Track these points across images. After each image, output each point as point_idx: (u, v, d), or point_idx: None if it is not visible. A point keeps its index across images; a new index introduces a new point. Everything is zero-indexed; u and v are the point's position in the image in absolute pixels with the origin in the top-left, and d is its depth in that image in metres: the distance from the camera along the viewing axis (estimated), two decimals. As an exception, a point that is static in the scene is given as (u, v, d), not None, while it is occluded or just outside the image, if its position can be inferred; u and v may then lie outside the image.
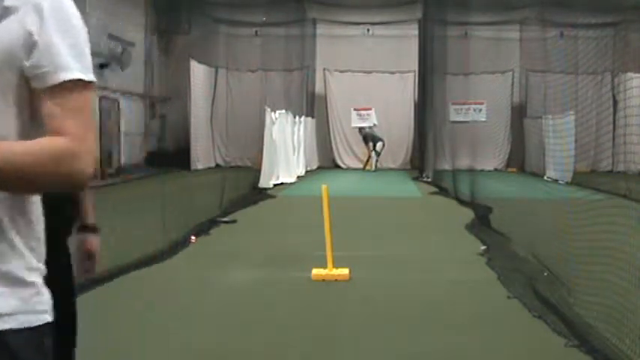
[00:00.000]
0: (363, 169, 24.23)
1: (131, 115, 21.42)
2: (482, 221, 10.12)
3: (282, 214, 12.33)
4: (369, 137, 23.97)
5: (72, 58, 1.24)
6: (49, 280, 1.30)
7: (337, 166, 25.48)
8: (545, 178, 18.98)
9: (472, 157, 19.50)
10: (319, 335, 4.86)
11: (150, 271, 6.83)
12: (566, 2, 19.55)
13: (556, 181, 17.77)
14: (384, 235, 9.59)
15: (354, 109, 25.71)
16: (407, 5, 24.08)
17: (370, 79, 25.48)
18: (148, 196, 13.81)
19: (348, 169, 25.02)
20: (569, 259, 5.99)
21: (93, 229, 2.83)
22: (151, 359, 4.38)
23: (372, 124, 24.90)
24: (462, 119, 24.10)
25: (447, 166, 19.03)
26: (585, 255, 5.78)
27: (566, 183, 17.11)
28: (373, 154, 23.95)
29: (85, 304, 5.51)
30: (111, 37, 19.79)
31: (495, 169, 23.84)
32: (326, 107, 25.77)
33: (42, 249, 1.30)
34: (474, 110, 24.91)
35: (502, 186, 16.22)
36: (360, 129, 24.55)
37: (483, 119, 24.86)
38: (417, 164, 22.78)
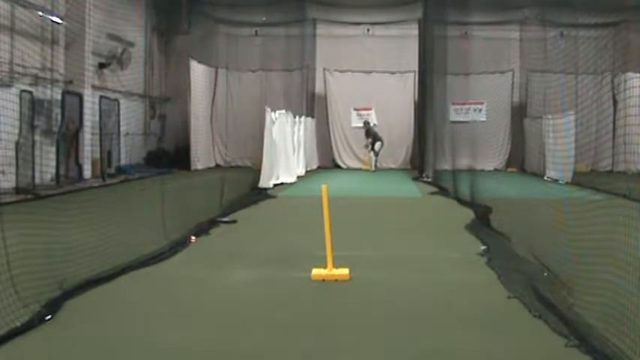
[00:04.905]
0: (365, 166, 24.23)
1: (131, 115, 21.41)
2: (482, 221, 10.12)
3: (282, 214, 12.33)
4: (370, 133, 23.94)
5: None
6: None
7: (337, 166, 25.48)
8: (545, 178, 18.98)
9: (472, 157, 19.51)
10: (319, 335, 4.85)
11: (150, 271, 6.84)
12: (566, 2, 19.52)
13: (556, 181, 17.77)
14: (384, 235, 9.60)
15: (354, 109, 25.72)
16: (407, 5, 24.07)
17: (370, 79, 25.49)
18: (148, 196, 13.84)
19: (348, 169, 25.02)
20: (569, 259, 5.99)
21: None
22: (151, 359, 4.37)
23: (372, 124, 24.90)
24: (462, 119, 24.11)
25: (447, 166, 19.03)
26: (585, 255, 5.79)
27: (566, 183, 17.12)
28: (372, 154, 23.94)
29: (85, 303, 5.53)
30: (111, 37, 19.80)
31: (495, 169, 23.84)
32: (326, 107, 25.77)
33: None
34: (474, 110, 24.91)
35: (502, 186, 16.23)
36: (365, 122, 24.52)
37: (483, 119, 24.86)
38: (417, 164, 22.77)
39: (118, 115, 20.31)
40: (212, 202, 11.31)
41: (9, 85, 14.36)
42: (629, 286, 4.84)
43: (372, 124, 24.56)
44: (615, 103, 22.74)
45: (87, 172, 17.76)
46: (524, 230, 8.13)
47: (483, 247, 8.07)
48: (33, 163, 14.63)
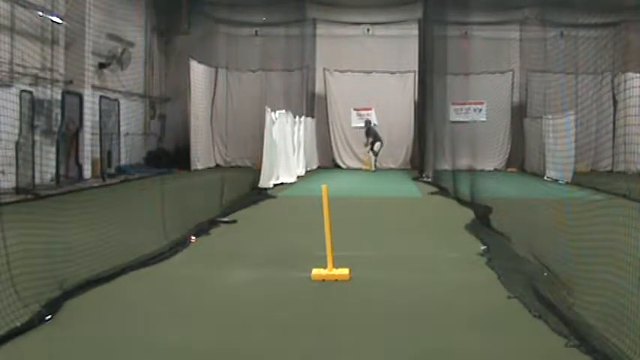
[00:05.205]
0: (365, 166, 24.24)
1: (131, 115, 21.42)
2: (482, 221, 10.12)
3: (282, 214, 12.33)
4: (371, 133, 23.94)
5: None
6: None
7: (337, 166, 25.48)
8: (545, 178, 18.98)
9: (472, 157, 19.51)
10: (319, 335, 4.85)
11: (150, 271, 6.84)
12: (566, 2, 19.52)
13: (556, 181, 17.77)
14: (384, 235, 9.60)
15: (354, 109, 25.72)
16: (407, 5, 24.07)
17: (370, 79, 25.49)
18: (148, 196, 13.84)
19: (348, 169, 25.03)
20: (569, 259, 5.99)
21: None
22: (151, 359, 4.37)
23: (373, 124, 24.90)
24: (462, 119, 24.11)
25: (447, 166, 19.03)
26: (585, 255, 5.79)
27: (566, 183, 17.12)
28: (371, 154, 23.96)
29: (85, 303, 5.53)
30: (111, 37, 19.79)
31: (495, 169, 23.84)
32: (326, 107, 25.77)
33: None
34: (474, 110, 24.91)
35: (502, 186, 16.23)
36: (367, 122, 24.54)
37: (483, 119, 24.86)
38: (417, 164, 22.77)
39: (118, 115, 20.31)
40: (212, 202, 11.31)
41: (9, 85, 14.36)
42: (629, 286, 4.84)
43: (372, 124, 24.58)
44: (615, 103, 22.74)
45: (87, 172, 17.76)
46: (524, 230, 8.13)
47: (483, 247, 8.07)
48: (33, 163, 14.63)
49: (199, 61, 23.61)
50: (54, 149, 15.98)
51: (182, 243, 8.21)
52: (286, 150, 18.80)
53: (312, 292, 6.14)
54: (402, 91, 25.35)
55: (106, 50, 19.62)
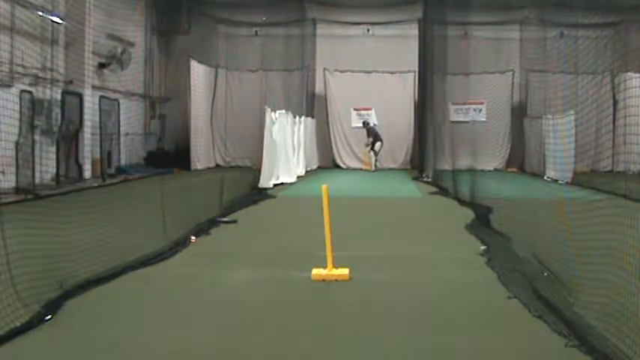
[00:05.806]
0: (365, 166, 24.25)
1: (131, 115, 21.41)
2: (482, 221, 10.12)
3: (282, 214, 12.33)
4: (372, 132, 23.97)
5: None
6: None
7: (337, 166, 25.48)
8: (545, 178, 18.98)
9: (472, 157, 19.50)
10: (319, 335, 4.85)
11: (150, 271, 6.84)
12: (566, 2, 19.52)
13: (556, 181, 17.77)
14: (384, 235, 9.60)
15: (354, 109, 25.73)
16: (407, 5, 24.07)
17: (370, 79, 25.49)
18: (148, 196, 13.83)
19: (348, 169, 25.03)
20: (569, 259, 5.99)
21: None
22: (151, 359, 4.37)
23: (372, 124, 24.92)
24: (462, 119, 24.10)
25: (447, 166, 19.02)
26: (585, 255, 5.79)
27: (566, 183, 17.12)
28: (372, 153, 23.97)
29: (85, 303, 5.53)
30: (111, 37, 19.79)
31: (495, 169, 23.83)
32: (326, 107, 25.77)
33: None
34: (474, 110, 24.90)
35: (502, 186, 16.22)
36: (365, 122, 24.57)
37: (483, 119, 24.86)
38: (417, 164, 22.78)
39: (118, 115, 20.31)
40: (212, 202, 11.31)
41: (9, 85, 14.36)
42: (629, 286, 4.84)
43: (372, 124, 24.59)
44: (615, 103, 22.74)
45: (87, 172, 17.76)
46: (525, 230, 8.13)
47: (483, 247, 8.06)
48: (33, 163, 14.63)
49: (199, 61, 23.61)
50: (54, 149, 15.98)
51: (182, 243, 8.20)
52: (286, 150, 18.80)
53: (312, 292, 6.14)
54: (402, 91, 25.35)
55: (106, 50, 19.62)
